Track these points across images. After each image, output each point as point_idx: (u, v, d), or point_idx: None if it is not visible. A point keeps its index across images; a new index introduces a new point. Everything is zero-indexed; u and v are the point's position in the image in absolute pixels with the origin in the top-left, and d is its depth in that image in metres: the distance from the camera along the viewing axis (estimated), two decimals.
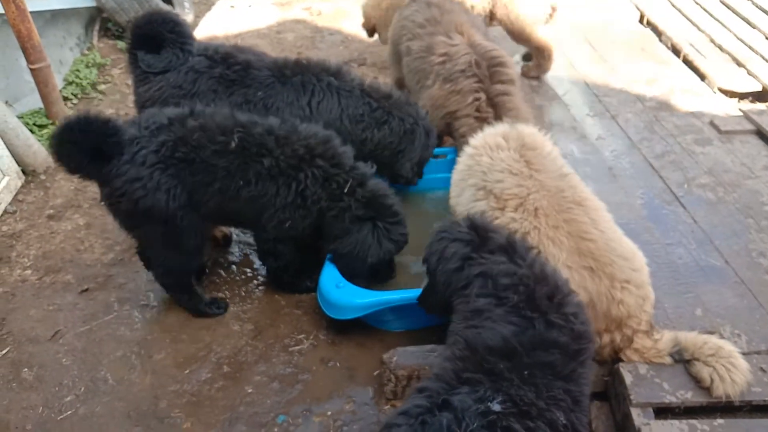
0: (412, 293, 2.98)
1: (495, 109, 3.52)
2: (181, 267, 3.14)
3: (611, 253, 2.59)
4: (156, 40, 3.35)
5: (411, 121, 3.53)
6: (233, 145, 2.91)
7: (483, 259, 2.32)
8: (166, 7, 6.13)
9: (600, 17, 6.13)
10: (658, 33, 5.85)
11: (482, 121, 3.51)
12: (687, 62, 5.35)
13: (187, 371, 3.02)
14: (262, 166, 2.95)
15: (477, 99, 3.53)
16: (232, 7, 7.26)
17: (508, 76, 3.64)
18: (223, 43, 3.66)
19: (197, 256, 3.20)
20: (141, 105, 3.41)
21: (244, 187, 2.96)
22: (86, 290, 3.50)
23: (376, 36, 5.48)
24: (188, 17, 6.51)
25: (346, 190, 3.04)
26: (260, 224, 3.12)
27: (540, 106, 4.75)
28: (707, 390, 2.59)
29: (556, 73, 5.18)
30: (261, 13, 7.06)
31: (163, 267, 3.16)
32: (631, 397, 2.62)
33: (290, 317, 3.29)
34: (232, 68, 3.41)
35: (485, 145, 2.86)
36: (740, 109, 4.65)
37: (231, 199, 2.99)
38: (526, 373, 1.97)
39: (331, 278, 3.02)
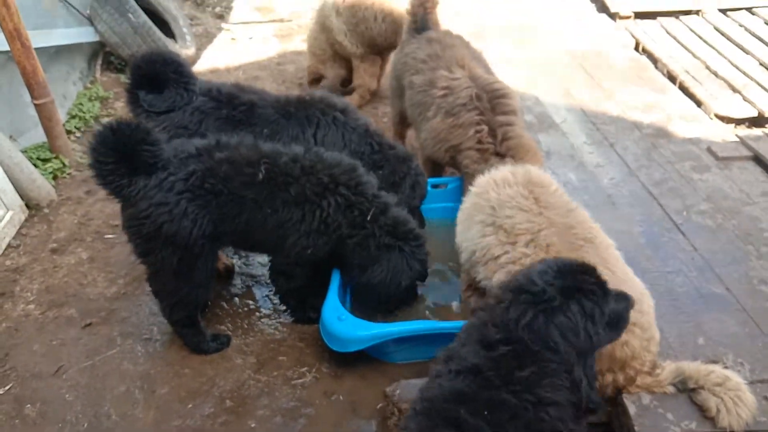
0: (414, 325, 3.00)
1: (497, 140, 3.55)
2: (190, 299, 3.14)
3: None
4: (157, 80, 3.39)
5: (401, 175, 3.63)
6: (261, 176, 2.96)
7: None
8: (168, 41, 6.23)
9: (596, 45, 6.21)
10: (654, 60, 5.93)
11: (485, 152, 3.54)
12: (683, 89, 5.42)
13: (190, 406, 3.01)
14: (288, 194, 3.01)
15: (479, 131, 3.57)
16: (233, 39, 7.37)
17: (510, 107, 3.68)
18: (224, 82, 3.72)
19: (207, 289, 3.21)
20: None
21: (272, 215, 3.01)
22: (89, 324, 3.50)
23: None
24: (190, 50, 6.62)
25: (369, 218, 3.10)
26: (282, 250, 3.17)
27: (537, 135, 4.79)
28: (712, 420, 2.59)
29: (553, 101, 5.24)
30: (262, 46, 7.17)
31: (173, 298, 3.14)
32: (636, 428, 2.61)
33: (293, 350, 3.30)
34: (238, 109, 3.48)
35: (491, 182, 2.88)
36: (737, 135, 4.70)
37: (257, 228, 3.04)
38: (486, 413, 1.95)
39: (333, 310, 3.03)
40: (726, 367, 2.87)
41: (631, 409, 2.66)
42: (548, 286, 2.08)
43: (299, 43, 7.14)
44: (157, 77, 3.40)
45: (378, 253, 3.15)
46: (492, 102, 3.65)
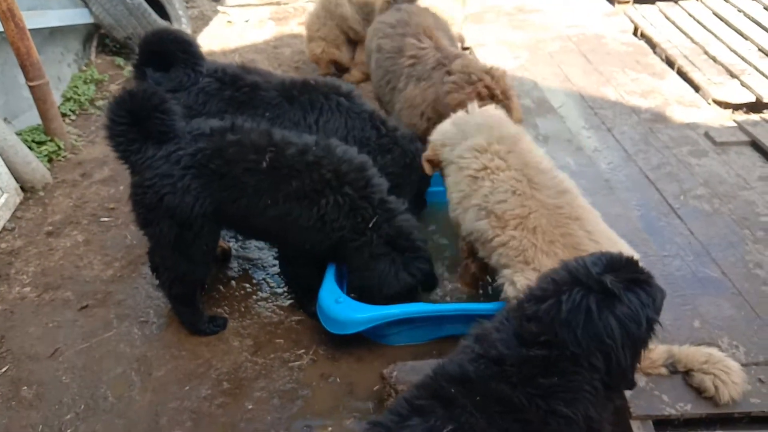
0: (410, 307, 3.01)
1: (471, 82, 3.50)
2: (190, 275, 3.13)
3: None
4: (166, 59, 3.37)
5: (411, 155, 3.57)
6: (264, 164, 2.93)
7: None
8: (163, 23, 6.17)
9: (594, 30, 6.18)
10: (653, 45, 5.90)
11: (470, 86, 3.47)
12: (681, 74, 5.39)
13: (187, 388, 3.02)
14: (290, 187, 2.97)
15: (453, 81, 3.54)
16: (229, 22, 7.31)
17: None
18: (231, 63, 3.69)
19: (207, 267, 3.21)
20: None
21: (272, 206, 2.98)
22: (85, 307, 3.50)
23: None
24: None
25: (371, 225, 3.05)
26: (283, 241, 3.18)
27: (535, 119, 4.78)
28: (710, 400, 2.61)
29: (551, 86, 5.21)
30: (258, 28, 7.12)
31: (172, 273, 3.14)
32: (631, 409, 2.63)
33: (290, 332, 3.30)
34: (241, 90, 3.46)
35: (486, 169, 2.90)
36: (734, 120, 4.69)
37: (257, 216, 3.01)
38: (478, 399, 1.94)
39: (330, 293, 3.03)
40: (721, 350, 2.90)
41: (627, 392, 2.68)
42: (603, 277, 2.00)
43: (295, 26, 7.09)
44: (166, 55, 3.39)
45: (370, 260, 3.10)
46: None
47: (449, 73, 3.62)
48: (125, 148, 2.88)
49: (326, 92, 3.51)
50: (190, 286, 3.19)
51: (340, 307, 2.96)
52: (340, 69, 5.86)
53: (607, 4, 6.77)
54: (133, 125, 2.84)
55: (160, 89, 2.98)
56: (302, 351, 3.19)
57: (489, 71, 3.50)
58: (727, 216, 3.74)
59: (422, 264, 3.17)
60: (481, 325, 2.18)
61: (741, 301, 3.15)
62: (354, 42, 5.67)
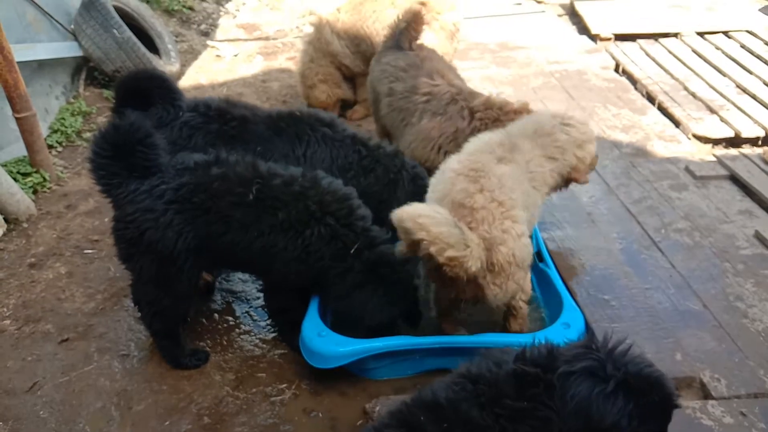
0: (393, 341, 2.99)
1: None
2: (171, 309, 3.10)
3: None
4: (143, 97, 3.39)
5: (395, 170, 3.59)
6: (251, 197, 2.92)
7: None
8: (152, 57, 6.24)
9: (576, 66, 6.31)
10: (634, 81, 6.04)
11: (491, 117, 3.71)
12: (662, 110, 5.51)
13: (167, 423, 2.97)
14: (276, 219, 2.95)
15: (480, 119, 3.75)
16: (218, 56, 7.40)
17: None
18: (212, 97, 3.73)
19: (189, 301, 3.19)
20: None
21: (258, 238, 2.96)
22: (66, 340, 3.45)
23: None
24: (174, 66, 6.63)
25: (352, 251, 3.04)
26: (269, 273, 3.15)
27: None
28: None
29: None
30: (246, 63, 7.20)
31: (154, 307, 3.10)
32: None
33: (272, 366, 3.27)
34: (230, 124, 3.47)
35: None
36: (714, 155, 4.78)
37: (243, 249, 2.99)
38: (446, 426, 1.95)
39: (313, 326, 3.02)
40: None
41: None
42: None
43: (284, 60, 7.19)
44: (143, 94, 3.39)
45: (351, 289, 3.07)
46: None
47: (472, 111, 3.77)
48: (107, 181, 2.88)
49: (311, 123, 3.55)
50: (172, 321, 3.16)
51: (323, 341, 2.94)
52: (343, 105, 5.90)
53: (589, 41, 6.94)
54: (117, 159, 2.84)
55: (146, 122, 2.98)
56: (285, 385, 3.16)
57: (512, 107, 3.72)
58: (707, 249, 3.80)
59: (405, 294, 3.15)
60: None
61: (722, 334, 3.18)
62: (347, 77, 5.72)
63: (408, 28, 4.34)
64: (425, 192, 3.41)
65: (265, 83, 6.65)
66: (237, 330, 3.52)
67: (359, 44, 5.33)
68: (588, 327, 3.11)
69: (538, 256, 3.51)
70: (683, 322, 3.24)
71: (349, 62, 5.48)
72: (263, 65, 7.13)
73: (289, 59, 7.18)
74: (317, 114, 3.65)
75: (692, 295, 3.42)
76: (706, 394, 2.88)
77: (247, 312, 3.63)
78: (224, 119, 3.46)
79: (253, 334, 3.49)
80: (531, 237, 3.53)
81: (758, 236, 3.87)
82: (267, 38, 7.94)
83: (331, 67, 5.58)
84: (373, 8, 5.24)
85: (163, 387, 3.17)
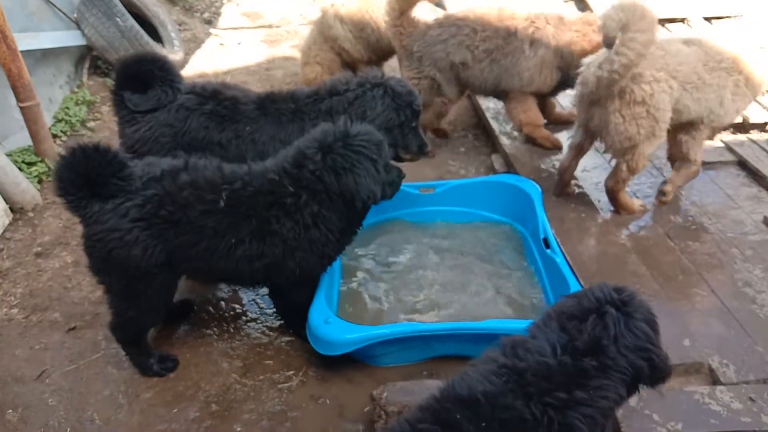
0: (401, 327, 2.99)
1: None
2: (135, 323, 3.05)
3: None
4: (142, 80, 3.36)
5: (368, 85, 3.42)
6: (221, 204, 2.84)
7: None
8: (155, 45, 6.22)
9: None
10: None
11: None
12: None
13: (175, 410, 2.98)
14: (250, 224, 2.87)
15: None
16: (221, 44, 7.37)
17: None
18: (210, 81, 3.71)
19: (155, 316, 3.12)
20: (130, 146, 3.39)
21: (238, 245, 2.88)
22: (73, 328, 3.47)
23: None
24: (178, 55, 6.60)
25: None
26: (279, 274, 3.04)
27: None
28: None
29: None
30: (250, 51, 7.17)
31: (118, 318, 3.05)
32: (623, 429, 2.63)
33: (279, 353, 3.27)
34: (222, 104, 3.45)
35: None
36: (722, 141, 4.74)
37: (221, 259, 2.91)
38: (484, 425, 1.92)
39: (320, 314, 3.01)
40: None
41: (618, 411, 2.66)
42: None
43: (287, 48, 7.15)
44: (142, 77, 3.36)
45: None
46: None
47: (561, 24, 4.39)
48: (73, 202, 2.78)
49: (286, 100, 3.47)
50: (135, 332, 3.11)
51: (330, 328, 2.94)
52: None
53: None
54: (81, 182, 2.73)
55: (109, 148, 2.79)
56: (292, 372, 3.16)
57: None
58: (715, 234, 3.77)
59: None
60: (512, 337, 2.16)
61: (730, 320, 3.16)
62: (348, 64, 5.69)
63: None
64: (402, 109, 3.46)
65: (269, 71, 6.62)
66: (244, 318, 3.53)
67: (363, 29, 5.29)
68: None
69: (545, 242, 3.49)
70: (692, 309, 3.23)
71: (350, 47, 5.41)
72: (267, 53, 7.10)
73: (293, 47, 7.14)
74: (293, 93, 3.52)
75: (700, 281, 3.40)
76: (714, 380, 2.87)
77: (253, 300, 3.64)
78: (217, 99, 3.42)
79: (260, 321, 3.49)
80: (539, 224, 3.55)
81: (766, 222, 3.85)
82: (271, 26, 7.90)
83: (330, 53, 5.56)
84: None
85: (170, 374, 3.18)
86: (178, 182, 2.82)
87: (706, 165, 4.42)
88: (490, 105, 5.34)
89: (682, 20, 6.80)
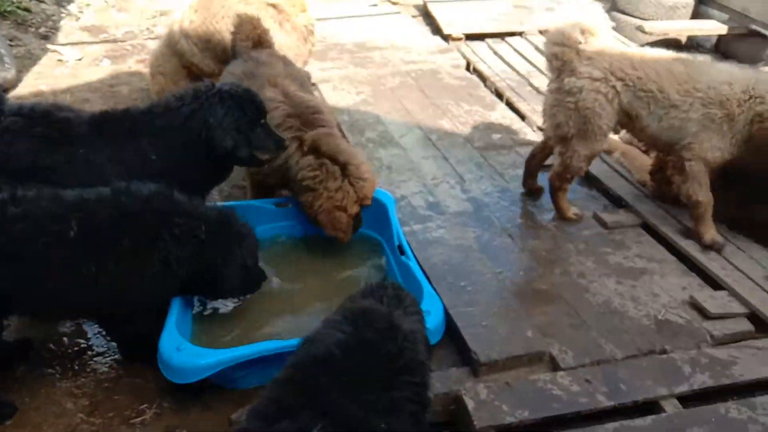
0: (257, 347, 2.94)
1: (321, 149, 3.60)
2: None
3: None
4: None
5: (204, 96, 3.37)
6: (72, 233, 2.68)
7: None
8: None
9: (431, 66, 6.54)
10: (483, 79, 6.37)
11: (316, 154, 3.58)
12: (509, 105, 5.86)
13: None
14: (119, 246, 2.76)
15: (302, 143, 3.61)
16: (60, 60, 6.88)
17: (328, 122, 3.78)
18: (41, 101, 3.46)
19: None
20: None
21: (102, 273, 2.75)
22: None
23: None
24: (9, 73, 6.08)
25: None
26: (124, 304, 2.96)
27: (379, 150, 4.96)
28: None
29: (393, 119, 5.44)
30: (92, 67, 6.75)
31: None
32: (475, 422, 2.76)
33: (130, 387, 3.09)
34: (53, 126, 3.23)
35: None
36: None
37: (82, 289, 2.77)
38: (346, 381, 2.00)
39: (171, 341, 2.88)
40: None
41: (470, 404, 2.82)
42: None
43: (134, 63, 6.82)
44: None
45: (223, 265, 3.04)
46: (308, 118, 3.72)
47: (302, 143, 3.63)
48: None
49: (122, 120, 3.36)
50: None
51: (182, 355, 2.82)
52: None
53: (442, 41, 7.21)
54: None
55: None
56: (145, 405, 3.00)
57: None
58: (553, 231, 4.09)
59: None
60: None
61: (568, 309, 3.44)
62: (198, 77, 5.53)
63: (240, 36, 4.28)
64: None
65: (113, 88, 6.27)
66: (89, 352, 3.29)
67: (209, 41, 5.15)
68: (447, 312, 3.24)
69: (400, 249, 3.60)
70: (533, 301, 3.47)
71: (198, 61, 5.28)
72: (111, 69, 6.72)
73: (139, 62, 6.82)
74: (128, 110, 3.43)
75: (540, 276, 3.67)
76: (555, 366, 3.10)
77: (99, 332, 3.40)
78: (48, 121, 3.21)
79: (107, 355, 3.28)
80: (393, 232, 3.66)
81: (596, 217, 4.22)
82: (115, 40, 7.49)
83: (177, 65, 5.40)
84: (222, 4, 5.10)
85: (8, 422, 2.89)
86: (8, 215, 2.62)
87: (543, 168, 4.79)
88: None
89: (520, 34, 7.33)
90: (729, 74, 3.65)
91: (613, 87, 3.70)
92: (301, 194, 3.62)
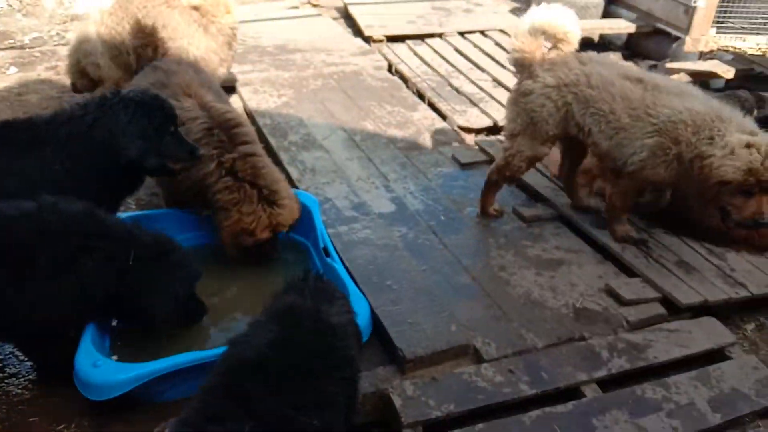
0: (176, 359, 2.87)
1: (246, 172, 3.53)
2: None
3: None
4: None
5: (108, 103, 3.27)
6: None
7: None
8: None
9: (353, 68, 6.56)
10: (405, 80, 6.45)
11: (234, 176, 3.51)
12: (431, 105, 5.95)
13: None
14: (35, 267, 2.66)
15: (221, 162, 3.52)
16: None
17: (249, 136, 3.69)
18: None
19: None
20: None
21: (17, 295, 2.66)
22: None
23: None
24: None
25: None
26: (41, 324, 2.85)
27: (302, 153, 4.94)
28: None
29: (317, 122, 5.43)
30: None
31: None
32: (402, 418, 2.80)
33: (47, 408, 2.95)
34: None
35: None
36: (476, 143, 5.29)
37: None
38: (275, 381, 2.00)
39: (87, 357, 2.78)
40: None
41: (397, 402, 2.86)
42: None
43: (43, 71, 6.52)
44: None
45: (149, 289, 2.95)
46: (228, 133, 3.61)
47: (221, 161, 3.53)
48: None
49: (24, 129, 3.22)
50: None
51: (100, 371, 2.72)
52: None
53: (363, 42, 7.26)
54: None
55: None
56: (63, 426, 2.87)
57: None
58: (474, 227, 4.19)
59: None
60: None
61: (490, 302, 3.53)
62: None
63: (141, 44, 4.16)
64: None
65: (21, 96, 5.97)
66: (1, 374, 3.13)
67: (117, 48, 4.92)
68: (373, 311, 3.27)
69: (325, 251, 3.61)
70: (456, 296, 3.54)
71: (104, 64, 5.05)
72: (18, 77, 6.40)
73: (49, 68, 6.53)
74: (31, 119, 3.30)
75: (463, 270, 3.75)
76: (479, 359, 3.18)
77: (11, 353, 3.24)
78: None
79: (20, 376, 3.13)
80: (318, 235, 3.66)
81: (515, 212, 4.36)
82: (22, 47, 7.14)
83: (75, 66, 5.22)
84: (143, 4, 4.89)
85: None
86: None
87: (465, 165, 4.91)
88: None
89: (440, 35, 7.47)
90: (689, 111, 3.50)
91: (564, 97, 3.78)
92: (216, 213, 3.56)
